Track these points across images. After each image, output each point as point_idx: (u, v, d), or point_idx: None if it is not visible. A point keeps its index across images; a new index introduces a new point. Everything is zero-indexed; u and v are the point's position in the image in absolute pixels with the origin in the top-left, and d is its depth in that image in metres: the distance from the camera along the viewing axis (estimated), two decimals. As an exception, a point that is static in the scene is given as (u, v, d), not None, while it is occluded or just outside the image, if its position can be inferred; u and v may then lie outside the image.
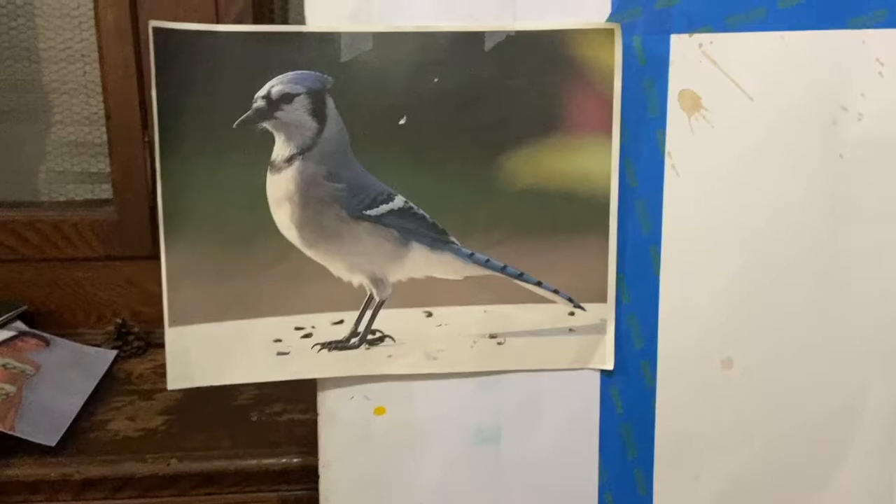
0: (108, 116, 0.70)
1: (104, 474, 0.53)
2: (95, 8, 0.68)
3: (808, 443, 0.47)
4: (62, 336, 0.69)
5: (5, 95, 0.75)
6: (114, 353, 0.69)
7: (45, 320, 0.72)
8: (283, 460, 0.54)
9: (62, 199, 0.77)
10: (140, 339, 0.71)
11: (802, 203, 0.45)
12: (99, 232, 0.72)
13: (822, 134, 0.44)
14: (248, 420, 0.59)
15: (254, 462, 0.54)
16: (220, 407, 0.61)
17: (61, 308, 0.73)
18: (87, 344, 0.69)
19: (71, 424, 0.56)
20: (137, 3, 0.68)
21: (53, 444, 0.53)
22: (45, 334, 0.68)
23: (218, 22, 0.65)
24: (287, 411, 0.60)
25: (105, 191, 0.76)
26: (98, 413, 0.60)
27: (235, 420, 0.59)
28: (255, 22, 0.65)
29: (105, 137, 0.71)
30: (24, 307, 0.70)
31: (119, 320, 0.72)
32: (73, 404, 0.59)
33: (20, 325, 0.69)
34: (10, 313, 0.68)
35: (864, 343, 0.46)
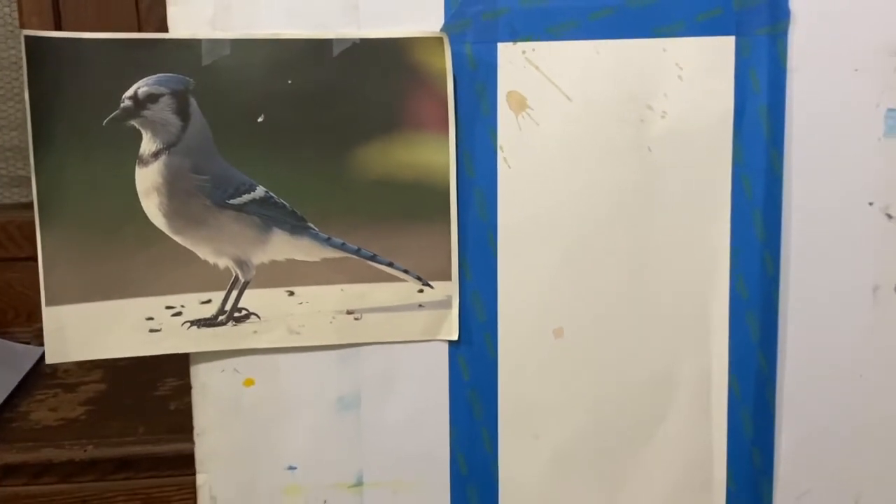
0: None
1: (24, 460, 0.53)
2: (20, 16, 0.68)
3: (631, 403, 0.49)
4: (-7, 334, 0.67)
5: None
6: (41, 349, 0.66)
7: (-24, 319, 0.69)
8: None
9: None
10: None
11: (616, 192, 0.47)
12: (28, 234, 0.70)
13: (632, 130, 0.46)
14: (166, 410, 0.59)
15: (168, 447, 0.54)
16: (140, 398, 0.60)
17: (-8, 307, 0.71)
18: (18, 342, 0.68)
19: (-8, 415, 0.56)
20: (61, 12, 0.68)
21: None
22: (-27, 332, 0.66)
23: (140, 29, 0.67)
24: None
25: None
26: (21, 405, 0.59)
27: (155, 410, 0.58)
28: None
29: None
30: (-44, 307, 0.69)
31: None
32: (-5, 397, 0.58)
33: (-50, 324, 0.68)
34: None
35: (672, 319, 0.48)
